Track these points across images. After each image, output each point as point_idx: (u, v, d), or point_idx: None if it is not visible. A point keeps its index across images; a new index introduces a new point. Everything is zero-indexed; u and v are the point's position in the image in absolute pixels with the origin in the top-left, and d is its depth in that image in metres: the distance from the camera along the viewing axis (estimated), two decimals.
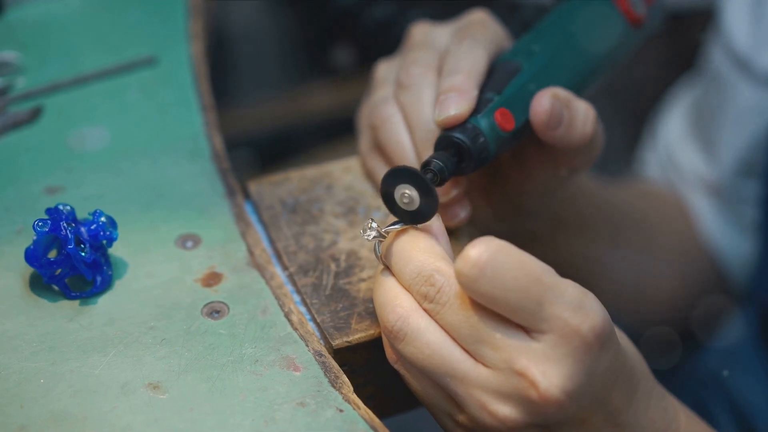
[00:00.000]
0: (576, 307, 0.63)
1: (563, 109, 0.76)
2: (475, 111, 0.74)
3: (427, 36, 0.84)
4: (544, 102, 0.75)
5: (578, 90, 0.81)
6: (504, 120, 0.74)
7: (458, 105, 0.73)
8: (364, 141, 0.85)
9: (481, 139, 0.73)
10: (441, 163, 0.71)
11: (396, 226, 0.69)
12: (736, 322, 1.14)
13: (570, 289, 0.64)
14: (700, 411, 1.07)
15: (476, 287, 0.63)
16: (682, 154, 1.18)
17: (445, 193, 0.77)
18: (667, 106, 1.25)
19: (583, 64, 0.82)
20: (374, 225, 0.69)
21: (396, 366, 0.70)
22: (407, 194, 0.68)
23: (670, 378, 1.12)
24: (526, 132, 0.76)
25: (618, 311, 1.16)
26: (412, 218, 0.69)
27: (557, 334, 0.63)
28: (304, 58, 2.01)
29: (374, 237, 0.69)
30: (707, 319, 1.19)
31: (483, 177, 0.87)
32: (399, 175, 0.68)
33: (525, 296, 0.63)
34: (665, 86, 1.36)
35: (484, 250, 0.63)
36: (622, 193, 1.13)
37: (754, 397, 1.05)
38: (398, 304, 0.67)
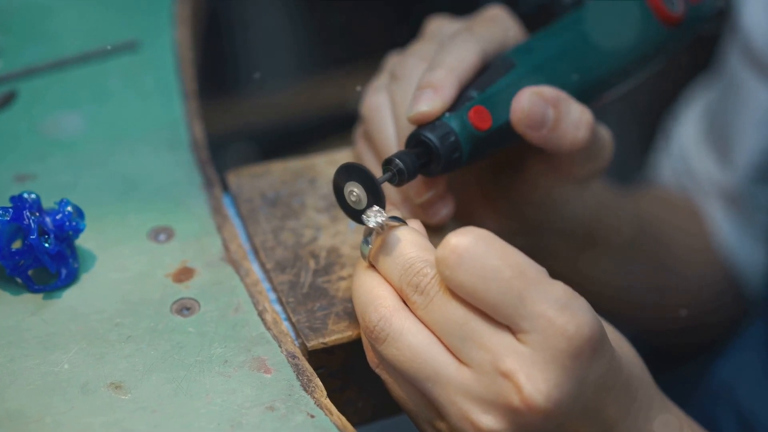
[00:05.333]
0: (562, 305, 0.60)
1: (547, 109, 0.72)
2: (452, 108, 0.71)
3: (439, 30, 0.81)
4: (523, 100, 0.72)
5: (590, 91, 0.77)
6: (478, 118, 0.71)
7: (430, 102, 0.71)
8: (358, 129, 0.83)
9: (452, 138, 0.70)
10: (402, 163, 0.68)
11: (395, 222, 0.65)
12: (749, 332, 1.11)
13: (557, 287, 0.60)
14: (707, 422, 1.04)
15: (455, 276, 0.60)
16: (696, 159, 1.16)
17: (418, 194, 0.74)
18: (681, 109, 1.22)
19: (597, 65, 0.78)
20: (382, 215, 0.65)
21: (377, 371, 0.67)
22: (355, 193, 0.66)
23: (678, 388, 1.09)
24: (512, 132, 0.73)
25: (633, 322, 1.13)
26: (358, 218, 0.66)
27: (541, 335, 0.60)
28: (320, 46, 1.99)
29: (375, 224, 0.65)
30: (720, 328, 1.16)
31: (488, 187, 0.84)
32: (350, 172, 0.66)
33: (506, 289, 0.60)
34: (680, 88, 1.32)
35: (465, 237, 0.60)
36: (638, 204, 1.10)
37: (762, 410, 1.02)
38: (381, 304, 0.64)
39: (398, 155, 0.69)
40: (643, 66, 0.82)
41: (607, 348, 0.62)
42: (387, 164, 0.69)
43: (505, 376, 0.60)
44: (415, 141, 0.70)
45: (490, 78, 0.73)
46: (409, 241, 0.65)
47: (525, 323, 0.60)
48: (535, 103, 0.72)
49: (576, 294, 0.61)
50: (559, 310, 0.60)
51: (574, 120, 0.73)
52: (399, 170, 0.68)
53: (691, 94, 1.23)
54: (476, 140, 0.71)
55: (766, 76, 1.06)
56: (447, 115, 0.71)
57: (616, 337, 0.67)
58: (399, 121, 0.75)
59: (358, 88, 0.81)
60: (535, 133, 0.72)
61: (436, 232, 0.77)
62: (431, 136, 0.70)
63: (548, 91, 0.72)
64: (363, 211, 0.66)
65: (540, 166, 0.80)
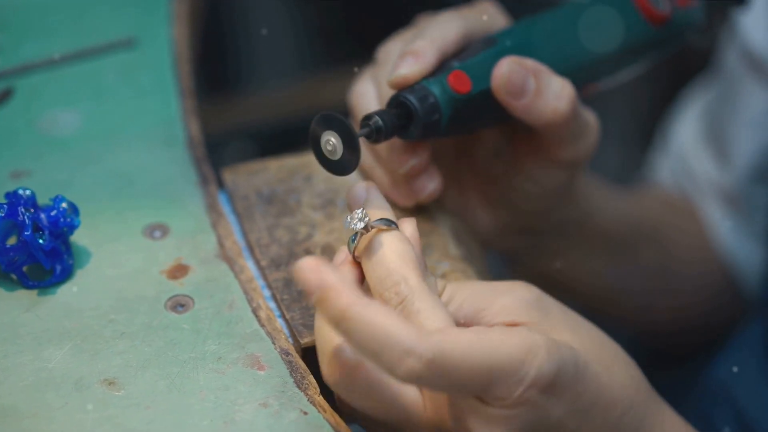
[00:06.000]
0: (522, 377, 0.59)
1: (528, 78, 0.73)
2: (432, 75, 0.72)
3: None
4: (503, 66, 0.72)
5: (572, 79, 0.77)
6: (458, 82, 0.72)
7: (410, 66, 0.71)
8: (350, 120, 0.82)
9: (431, 100, 0.71)
10: (380, 120, 0.69)
11: (381, 224, 0.65)
12: (746, 332, 1.10)
13: (515, 355, 0.59)
14: (705, 422, 1.04)
15: (426, 384, 0.60)
16: (695, 159, 1.15)
17: (402, 162, 0.74)
18: (680, 110, 1.22)
19: (579, 53, 0.79)
20: (366, 218, 0.65)
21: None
22: (332, 142, 0.66)
23: (676, 388, 1.08)
24: (493, 102, 0.73)
25: (631, 326, 1.13)
26: (333, 168, 0.67)
27: (504, 404, 0.60)
28: (317, 45, 1.99)
29: (360, 228, 0.65)
30: (718, 328, 1.16)
31: (480, 179, 0.85)
32: (328, 121, 0.66)
33: (473, 381, 0.59)
34: (678, 89, 1.32)
35: (434, 349, 0.57)
36: (636, 205, 1.10)
37: (760, 410, 1.02)
38: (342, 355, 0.61)
39: (377, 112, 0.70)
40: (627, 62, 0.83)
41: (570, 384, 0.62)
42: (365, 120, 0.69)
43: (464, 427, 0.61)
44: (395, 103, 0.71)
45: (472, 51, 0.74)
46: (391, 249, 0.64)
47: (491, 401, 0.60)
48: (515, 70, 0.72)
49: (536, 346, 0.60)
50: (524, 386, 0.59)
51: (555, 91, 0.74)
52: (377, 127, 0.69)
53: (690, 95, 1.23)
54: (456, 104, 0.72)
55: (763, 77, 1.06)
56: (427, 79, 0.72)
57: (607, 353, 0.67)
58: (383, 99, 0.76)
59: (356, 69, 0.82)
60: (515, 101, 0.73)
61: (431, 230, 0.77)
62: (410, 96, 0.71)
63: (529, 61, 0.73)
64: (337, 162, 0.67)
65: (523, 146, 0.80)
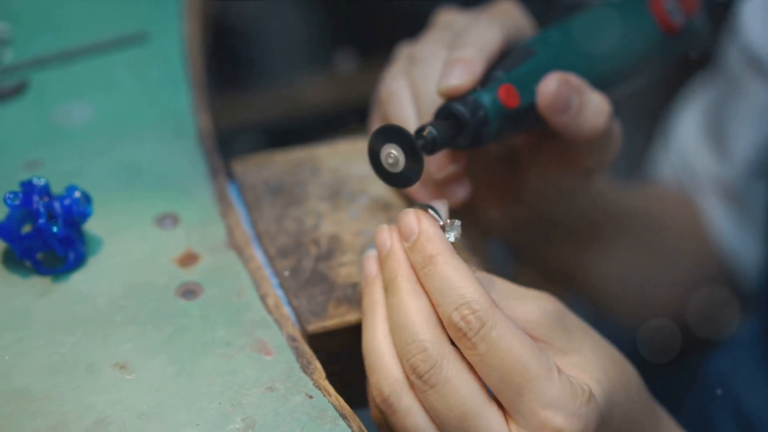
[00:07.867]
0: (555, 409, 0.61)
1: (572, 95, 0.73)
2: (480, 86, 0.72)
3: (451, 21, 0.83)
4: (551, 83, 0.73)
5: (598, 87, 0.78)
6: (508, 96, 0.72)
7: (461, 75, 0.71)
8: (373, 116, 0.84)
9: (481, 113, 0.71)
10: (435, 131, 0.69)
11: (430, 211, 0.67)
12: (745, 327, 1.11)
13: (555, 388, 0.62)
14: (704, 417, 1.05)
15: (468, 348, 0.62)
16: (695, 155, 1.16)
17: (441, 167, 0.75)
18: (680, 106, 1.23)
19: (604, 63, 0.80)
20: (459, 228, 0.67)
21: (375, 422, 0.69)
22: (393, 155, 0.66)
23: (675, 383, 1.09)
24: (534, 115, 0.74)
25: (629, 319, 1.14)
26: (395, 180, 0.67)
27: (529, 430, 0.62)
28: (331, 41, 2.00)
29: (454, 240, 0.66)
30: (716, 323, 1.17)
31: (494, 175, 0.85)
32: (388, 133, 0.66)
33: (506, 380, 0.62)
34: (679, 85, 1.33)
35: (491, 315, 0.62)
36: (636, 199, 1.11)
37: (759, 405, 1.03)
38: (389, 375, 0.66)
39: (430, 123, 0.69)
40: (641, 70, 0.84)
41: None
42: (419, 132, 0.69)
43: None
44: (445, 113, 0.71)
45: (514, 61, 0.75)
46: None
47: (517, 416, 0.62)
48: (562, 88, 0.73)
49: (574, 394, 0.62)
50: (552, 412, 0.61)
51: (595, 108, 0.74)
52: (431, 137, 0.68)
53: (690, 92, 1.24)
54: (503, 117, 0.72)
55: (763, 75, 1.07)
56: (477, 90, 0.72)
57: (623, 384, 0.68)
58: (420, 101, 0.76)
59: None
60: (558, 117, 0.74)
61: None
62: (463, 108, 0.70)
63: (573, 78, 0.74)
64: (399, 175, 0.67)
65: (549, 155, 0.81)
